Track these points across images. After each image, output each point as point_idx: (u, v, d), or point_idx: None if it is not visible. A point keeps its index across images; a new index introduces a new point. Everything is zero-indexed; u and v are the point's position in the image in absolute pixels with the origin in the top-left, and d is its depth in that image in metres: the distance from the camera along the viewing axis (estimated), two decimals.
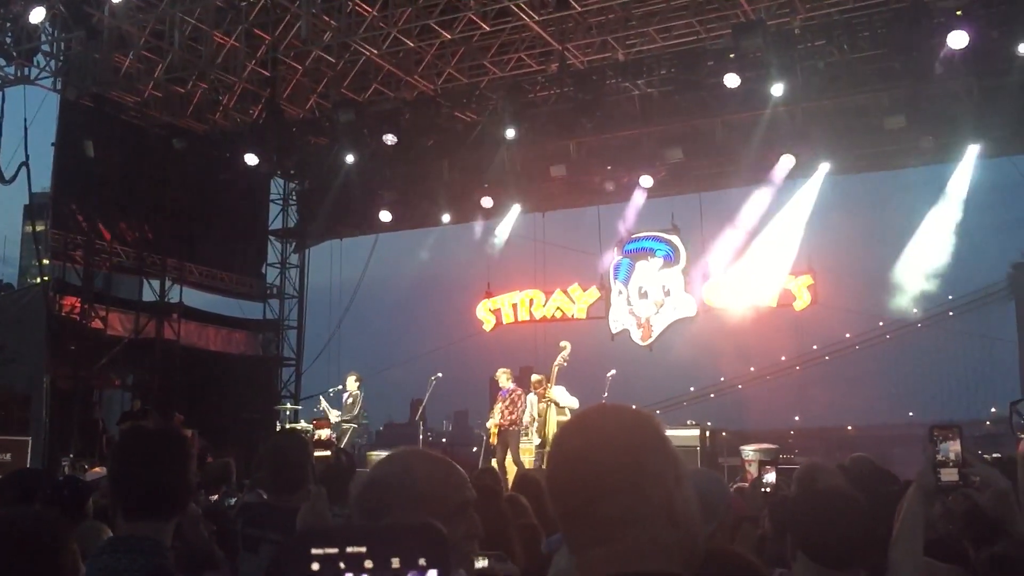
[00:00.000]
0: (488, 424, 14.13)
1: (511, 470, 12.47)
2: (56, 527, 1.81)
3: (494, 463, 13.36)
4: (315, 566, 0.89)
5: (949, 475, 2.53)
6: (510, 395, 13.93)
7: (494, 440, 13.96)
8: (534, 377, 14.13)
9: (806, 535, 2.82)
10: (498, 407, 13.90)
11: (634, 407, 1.63)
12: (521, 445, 14.21)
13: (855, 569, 2.80)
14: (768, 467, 6.66)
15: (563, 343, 13.70)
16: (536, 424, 13.51)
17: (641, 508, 1.43)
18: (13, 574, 1.82)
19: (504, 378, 14.15)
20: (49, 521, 1.86)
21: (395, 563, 0.89)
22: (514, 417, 13.78)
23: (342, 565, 0.89)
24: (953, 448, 2.54)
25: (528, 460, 13.51)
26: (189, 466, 2.48)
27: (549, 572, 3.07)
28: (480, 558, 2.56)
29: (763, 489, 6.21)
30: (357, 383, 14.96)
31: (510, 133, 15.90)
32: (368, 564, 0.89)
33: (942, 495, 2.61)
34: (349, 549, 0.89)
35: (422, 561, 0.89)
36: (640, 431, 1.50)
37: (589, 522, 1.46)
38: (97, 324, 16.75)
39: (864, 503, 3.11)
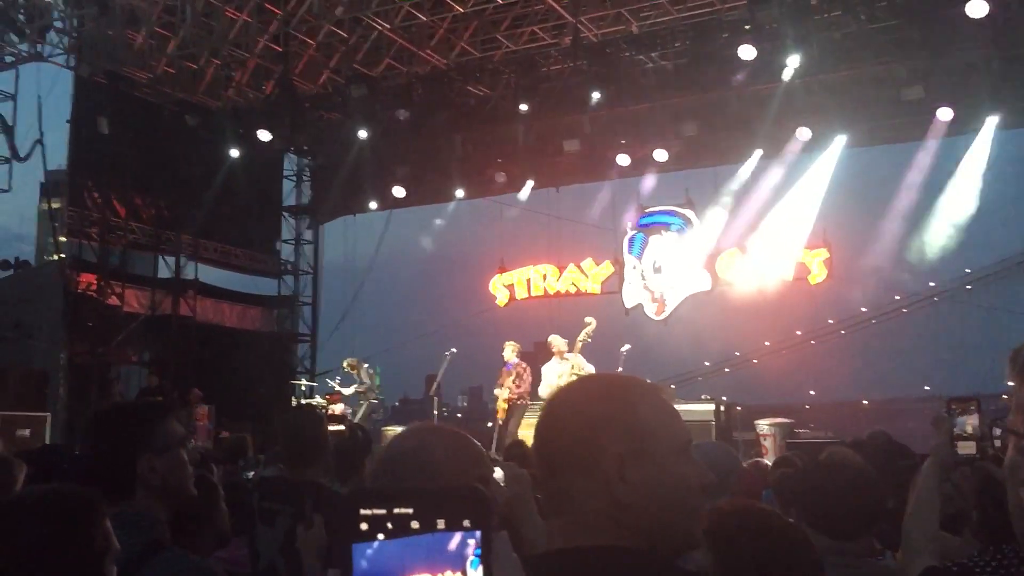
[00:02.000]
0: (497, 393, 14.09)
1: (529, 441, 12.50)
2: (90, 501, 1.79)
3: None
4: (364, 526, 0.93)
5: (967, 448, 2.51)
6: (515, 368, 13.91)
7: (502, 415, 13.94)
8: (550, 339, 13.95)
9: (810, 508, 2.81)
10: (508, 380, 13.88)
11: (617, 376, 1.60)
12: (536, 418, 14.21)
13: (864, 538, 2.79)
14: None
15: (588, 319, 13.61)
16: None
17: (586, 483, 1.42)
18: (47, 549, 1.82)
19: (509, 351, 14.11)
20: (82, 495, 1.84)
21: (440, 524, 0.93)
22: (521, 391, 13.77)
23: (390, 525, 0.93)
24: (971, 421, 2.52)
25: None
26: (144, 442, 2.47)
27: None
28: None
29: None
30: (365, 364, 14.94)
31: (523, 107, 15.81)
32: (415, 524, 0.93)
33: (959, 468, 2.59)
34: (396, 510, 0.93)
35: (466, 523, 0.93)
36: (596, 405, 1.47)
37: (547, 494, 1.48)
38: (114, 301, 16.84)
39: (868, 472, 3.09)
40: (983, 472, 2.70)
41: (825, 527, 2.69)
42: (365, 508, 0.93)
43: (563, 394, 1.56)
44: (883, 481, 3.39)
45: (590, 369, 13.54)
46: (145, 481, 2.41)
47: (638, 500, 1.41)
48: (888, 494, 2.92)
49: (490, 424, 15.94)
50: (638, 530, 1.41)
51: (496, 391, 14.05)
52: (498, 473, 2.74)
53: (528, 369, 13.99)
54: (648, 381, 1.62)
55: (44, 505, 1.82)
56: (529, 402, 13.88)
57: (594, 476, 1.41)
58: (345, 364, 15.02)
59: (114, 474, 2.42)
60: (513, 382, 13.77)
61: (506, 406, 13.86)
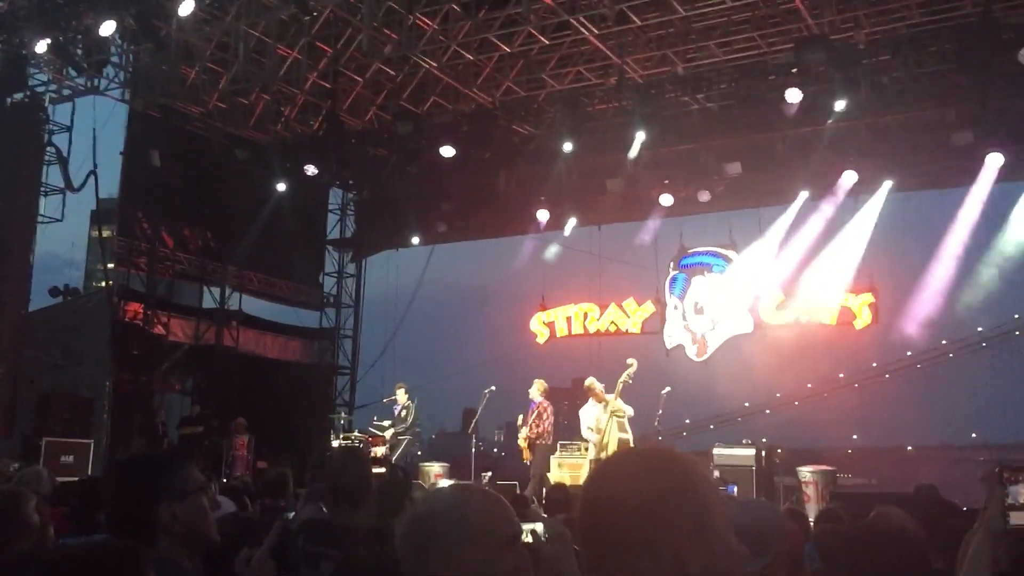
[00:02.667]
0: (520, 441, 14.05)
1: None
2: (137, 556, 1.79)
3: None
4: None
5: (1020, 518, 2.45)
6: (537, 408, 13.87)
7: (526, 456, 13.88)
8: (587, 382, 13.88)
9: (862, 572, 2.75)
10: (531, 419, 13.84)
11: (665, 449, 1.59)
12: (573, 459, 14.12)
13: None
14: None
15: (630, 360, 13.55)
16: (595, 437, 13.30)
17: (651, 561, 1.41)
18: None
19: (535, 389, 14.07)
20: (130, 552, 1.84)
21: None
22: (540, 430, 13.72)
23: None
24: (1023, 490, 2.46)
25: (583, 475, 13.40)
26: (151, 491, 2.49)
27: None
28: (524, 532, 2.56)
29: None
30: (407, 395, 15.06)
31: (567, 146, 15.89)
32: None
33: (1010, 538, 2.53)
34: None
35: None
36: (658, 479, 1.47)
37: (603, 572, 1.45)
38: (159, 330, 17.09)
39: (920, 539, 3.02)
40: None
41: None
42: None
43: (614, 469, 1.54)
44: (932, 542, 3.31)
45: (628, 412, 13.45)
46: (167, 528, 2.43)
47: (704, 574, 1.40)
48: (937, 557, 2.85)
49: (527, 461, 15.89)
50: None
51: (519, 433, 14.03)
52: (539, 527, 2.72)
53: (549, 409, 13.97)
54: (690, 455, 1.62)
55: (93, 562, 1.82)
56: (549, 442, 13.84)
57: (661, 554, 1.40)
58: (401, 391, 15.10)
59: (134, 522, 2.44)
60: (533, 421, 13.74)
61: (526, 445, 13.81)
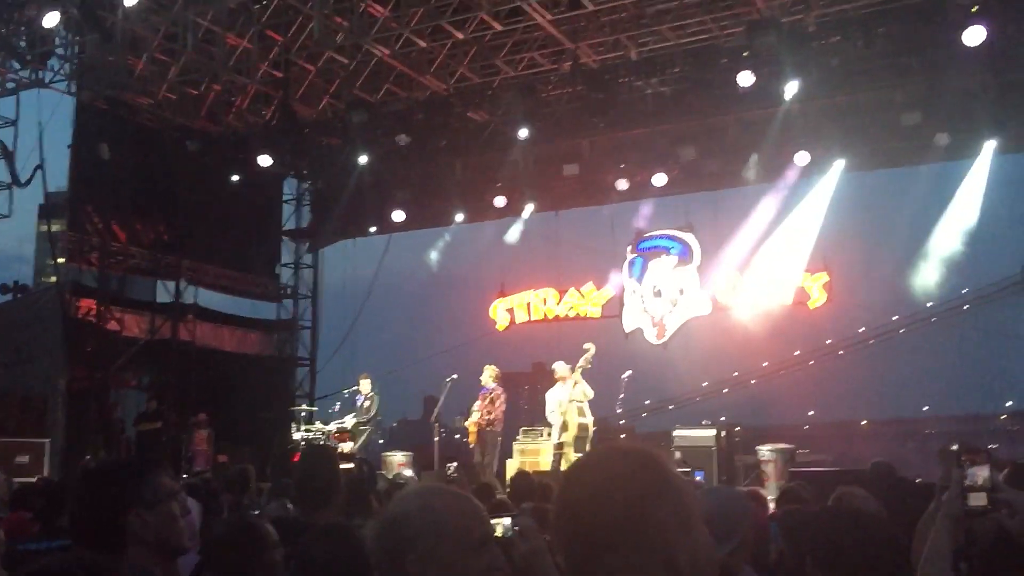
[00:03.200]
0: (467, 423, 14.08)
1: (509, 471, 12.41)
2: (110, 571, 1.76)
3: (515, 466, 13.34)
4: None
5: (977, 499, 2.51)
6: (489, 394, 13.90)
7: (473, 440, 13.91)
8: (554, 366, 13.94)
9: (828, 556, 2.79)
10: (476, 405, 13.87)
11: (640, 448, 1.60)
12: (535, 444, 14.18)
13: None
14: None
15: (587, 345, 13.61)
16: (557, 420, 13.34)
17: (643, 560, 1.43)
18: None
19: (487, 376, 14.10)
20: (102, 567, 1.81)
21: None
22: (492, 417, 13.76)
23: None
24: (981, 472, 2.52)
25: (546, 461, 13.47)
26: (122, 498, 2.48)
27: None
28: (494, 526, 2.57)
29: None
30: (371, 385, 15.02)
31: (523, 132, 15.89)
32: None
33: (969, 520, 2.59)
34: None
35: None
36: (642, 478, 1.49)
37: (591, 574, 1.46)
38: (113, 326, 16.82)
39: (887, 522, 3.08)
40: (997, 522, 2.71)
41: None
42: None
43: (596, 468, 1.55)
44: (890, 520, 3.39)
45: (589, 394, 13.53)
46: (137, 536, 2.42)
47: (692, 571, 1.43)
48: (905, 543, 2.91)
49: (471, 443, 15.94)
50: None
51: (469, 417, 14.03)
52: (507, 521, 2.74)
53: (503, 396, 14.01)
54: (660, 451, 1.64)
55: None
56: (500, 428, 13.89)
57: (651, 551, 1.42)
58: (366, 382, 15.05)
59: (102, 530, 2.43)
60: (484, 407, 13.77)
61: (475, 430, 13.83)
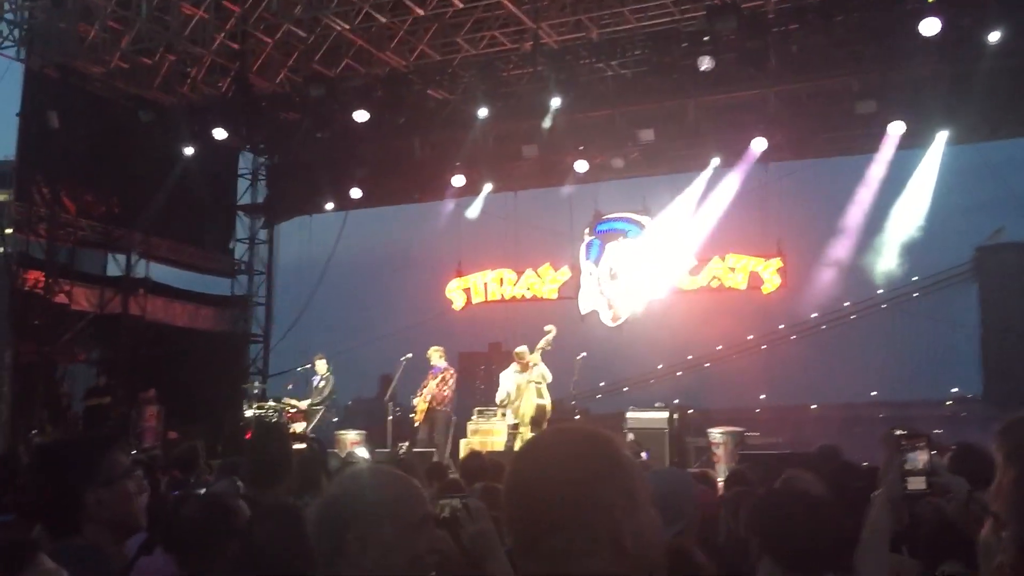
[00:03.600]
0: (415, 401, 14.09)
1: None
2: (20, 552, 1.72)
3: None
4: None
5: (916, 483, 2.55)
6: (442, 374, 13.94)
7: (419, 419, 13.95)
8: (518, 350, 13.98)
9: (773, 538, 2.82)
10: (431, 384, 13.88)
11: (591, 429, 1.60)
12: (489, 424, 14.21)
13: (821, 574, 2.81)
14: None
15: (548, 327, 13.66)
16: (510, 403, 13.39)
17: (587, 541, 1.43)
18: None
19: (436, 356, 14.14)
20: (14, 546, 1.76)
21: None
22: (443, 397, 13.82)
23: None
24: (921, 457, 2.56)
25: (500, 441, 13.51)
26: (84, 476, 2.44)
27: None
28: (442, 509, 2.58)
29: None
30: (327, 366, 14.93)
31: (482, 112, 15.81)
32: None
33: (909, 503, 2.64)
34: None
35: None
36: (591, 459, 1.49)
37: (538, 554, 1.46)
38: (61, 299, 16.51)
39: (831, 504, 3.13)
40: (934, 504, 2.77)
41: (786, 560, 2.71)
42: None
43: (545, 448, 1.54)
44: (837, 503, 3.43)
45: (547, 375, 13.58)
46: (93, 515, 2.39)
47: (637, 554, 1.43)
48: (849, 525, 2.95)
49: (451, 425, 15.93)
50: None
51: (419, 395, 14.03)
52: (456, 502, 2.73)
53: (455, 376, 14.07)
54: (612, 433, 1.64)
55: None
56: (449, 410, 13.95)
57: (597, 532, 1.42)
58: (321, 362, 14.95)
59: (59, 509, 2.39)
60: (437, 386, 13.80)
61: (425, 407, 13.86)
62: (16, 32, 15.77)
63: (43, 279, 16.27)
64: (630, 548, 1.43)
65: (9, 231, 16.76)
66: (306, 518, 2.67)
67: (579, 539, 1.42)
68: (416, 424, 14.09)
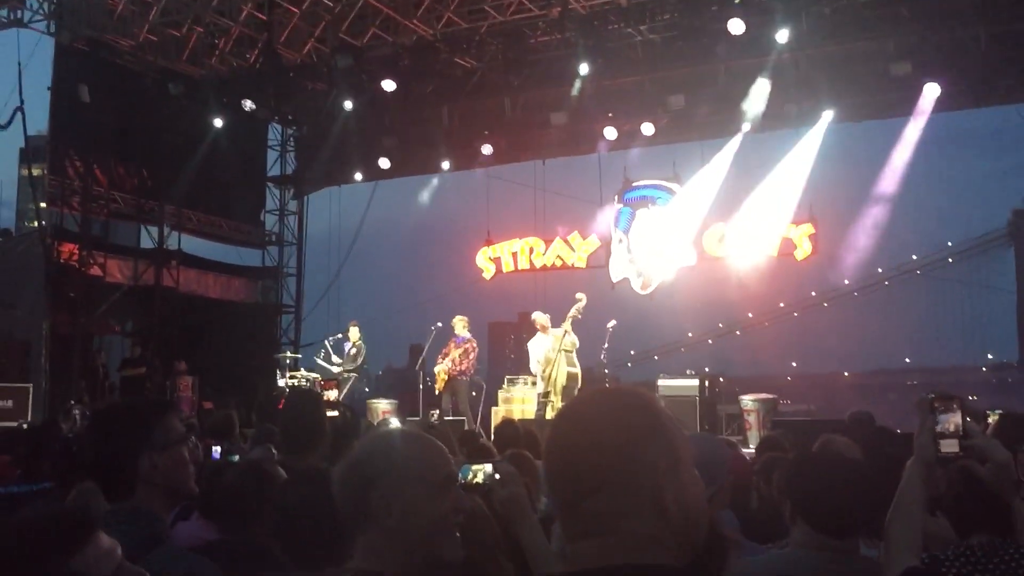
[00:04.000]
0: (437, 370, 14.11)
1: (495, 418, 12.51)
2: (68, 534, 1.70)
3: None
4: None
5: (949, 446, 2.52)
6: (464, 345, 13.98)
7: (440, 387, 14.00)
8: (534, 315, 13.98)
9: (807, 501, 2.81)
10: (455, 353, 13.90)
11: (632, 389, 1.59)
12: (520, 393, 14.25)
13: (855, 538, 2.80)
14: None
15: (579, 295, 13.59)
16: (542, 370, 13.39)
17: (630, 501, 1.41)
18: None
19: (460, 326, 14.15)
20: (61, 528, 1.73)
21: None
22: (463, 367, 13.86)
23: None
24: (953, 419, 2.52)
25: (530, 410, 13.54)
26: (140, 440, 2.47)
27: (552, 535, 3.08)
28: (474, 474, 2.59)
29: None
30: (359, 334, 15.01)
31: (510, 79, 15.71)
32: None
33: (941, 466, 2.61)
34: None
35: None
36: (632, 419, 1.46)
37: (579, 515, 1.44)
38: (96, 271, 16.72)
39: (867, 468, 3.10)
40: (966, 469, 2.74)
41: (820, 524, 2.70)
42: None
43: (587, 409, 1.52)
44: (872, 468, 3.40)
45: (575, 342, 13.54)
46: (147, 478, 2.43)
47: (679, 515, 1.42)
48: (883, 489, 2.92)
49: (474, 394, 15.97)
50: (676, 546, 1.43)
51: (439, 363, 14.07)
52: (488, 467, 2.74)
53: (476, 349, 14.13)
54: (650, 393, 1.62)
55: (39, 533, 1.73)
56: (468, 379, 14.00)
57: (639, 493, 1.41)
58: (355, 329, 15.04)
59: (116, 472, 2.43)
60: (460, 356, 13.85)
61: (446, 378, 13.91)
62: (46, 6, 15.86)
63: (77, 251, 16.46)
64: (672, 510, 1.42)
65: (43, 204, 16.94)
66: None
67: (621, 500, 1.41)
68: (437, 392, 14.15)
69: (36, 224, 16.88)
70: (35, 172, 18.67)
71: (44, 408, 14.53)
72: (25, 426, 12.44)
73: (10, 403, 13.71)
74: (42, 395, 14.91)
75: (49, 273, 15.92)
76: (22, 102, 15.28)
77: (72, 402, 14.52)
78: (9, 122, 15.35)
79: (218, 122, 17.17)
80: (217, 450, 5.68)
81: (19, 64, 15.27)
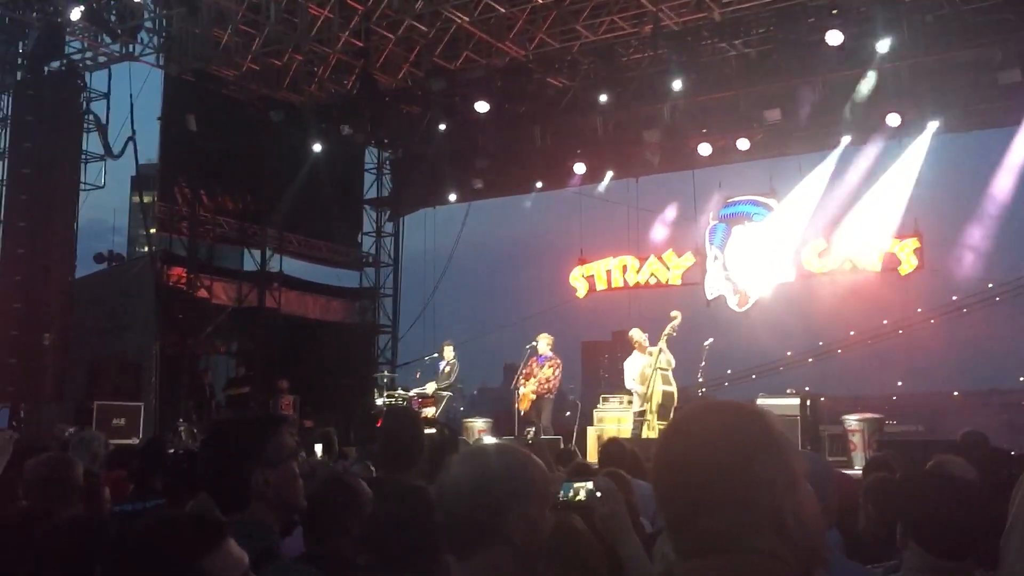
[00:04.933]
0: (526, 390, 14.01)
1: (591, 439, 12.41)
2: (195, 540, 1.74)
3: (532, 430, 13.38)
4: None
5: None
6: (548, 362, 13.90)
7: (524, 406, 13.89)
8: (631, 333, 13.86)
9: (920, 522, 2.71)
10: (547, 372, 13.82)
11: (743, 404, 1.55)
12: (616, 412, 14.13)
13: (969, 560, 2.68)
14: None
15: (674, 313, 13.43)
16: (640, 388, 13.25)
17: (748, 519, 1.38)
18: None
19: (544, 344, 14.07)
20: (194, 529, 1.79)
21: None
22: (550, 385, 13.79)
23: None
24: None
25: (626, 429, 13.42)
26: (262, 454, 2.52)
27: (654, 555, 3.03)
28: (576, 492, 2.57)
29: None
30: (453, 352, 15.14)
31: (603, 98, 15.71)
32: None
33: None
34: None
35: None
36: (747, 434, 1.43)
37: (694, 532, 1.41)
38: (202, 293, 17.28)
39: (979, 488, 2.98)
40: None
41: (933, 546, 2.60)
42: None
43: (699, 423, 1.49)
44: (985, 490, 3.27)
45: (672, 361, 13.38)
46: (259, 493, 2.49)
47: (798, 532, 1.39)
48: (996, 509, 2.80)
49: (568, 413, 15.93)
50: (796, 562, 1.39)
51: (523, 383, 13.98)
52: (589, 485, 2.73)
53: (560, 366, 14.05)
54: (760, 407, 1.58)
55: (174, 531, 1.79)
56: (553, 396, 13.93)
57: (759, 507, 1.38)
58: (448, 348, 15.20)
59: (230, 487, 2.50)
60: (551, 375, 13.79)
61: (534, 398, 13.83)
62: (155, 40, 16.56)
63: (185, 275, 17.06)
64: (791, 526, 1.38)
65: (154, 230, 17.63)
66: (430, 498, 2.71)
67: (740, 517, 1.37)
68: (522, 412, 14.06)
69: (147, 249, 17.54)
70: (146, 199, 19.45)
71: (155, 426, 15.04)
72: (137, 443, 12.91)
73: (123, 421, 14.24)
74: (152, 413, 15.44)
75: (159, 296, 16.52)
76: (134, 132, 15.94)
77: (180, 421, 15.03)
78: (122, 151, 16.02)
79: (317, 147, 17.63)
80: None
81: (131, 96, 15.97)
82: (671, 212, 18.21)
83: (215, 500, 2.53)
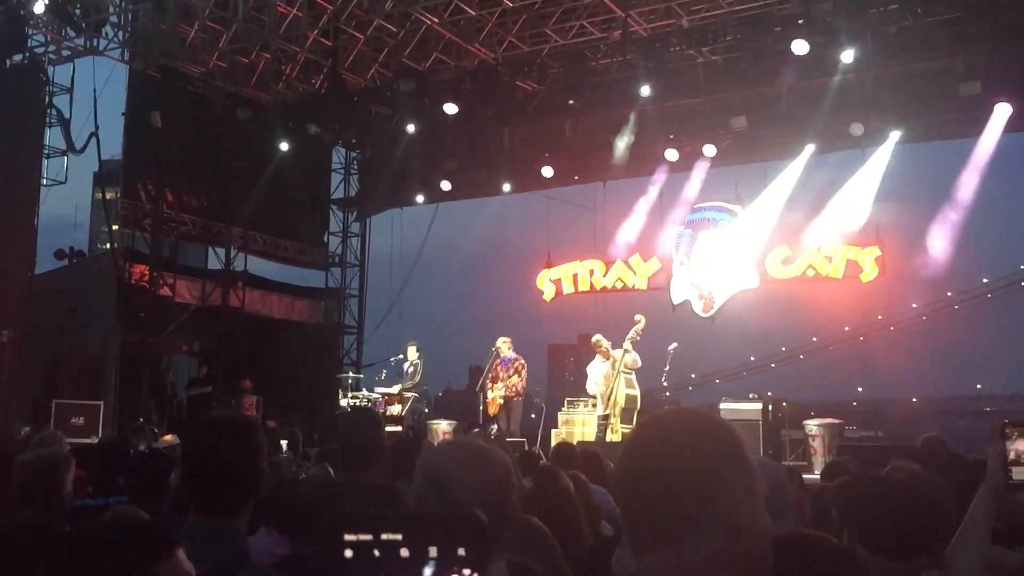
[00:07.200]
0: (495, 395, 14.03)
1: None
2: (145, 548, 1.71)
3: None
4: (348, 552, 0.85)
5: (1021, 473, 2.45)
6: (512, 364, 13.95)
7: (493, 411, 13.92)
8: (594, 339, 13.92)
9: (864, 524, 2.74)
10: (512, 379, 13.87)
11: (708, 411, 1.59)
12: (580, 415, 14.18)
13: (918, 559, 2.72)
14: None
15: (638, 317, 13.52)
16: (603, 391, 13.32)
17: (705, 515, 1.40)
18: None
19: (506, 347, 14.11)
20: (142, 538, 1.76)
21: (432, 552, 0.85)
22: (518, 388, 13.85)
23: (376, 552, 0.85)
24: None
25: (591, 432, 13.47)
26: (261, 455, 2.51)
27: (614, 565, 3.05)
28: None
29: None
30: (417, 352, 15.11)
31: (571, 102, 15.75)
32: (404, 552, 0.85)
33: (1012, 494, 2.53)
34: (384, 536, 0.86)
35: (461, 551, 0.86)
36: (712, 437, 1.47)
37: (653, 522, 1.44)
38: (165, 291, 17.09)
39: (925, 488, 3.02)
40: None
41: (877, 545, 2.63)
42: (350, 533, 0.86)
43: (665, 424, 1.53)
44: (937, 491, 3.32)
45: (636, 359, 13.43)
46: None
47: (751, 538, 1.41)
48: (948, 511, 2.84)
49: (532, 416, 15.93)
50: (744, 568, 1.42)
51: (490, 386, 14.00)
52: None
53: (526, 366, 14.10)
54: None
55: (123, 537, 1.77)
56: (521, 399, 13.98)
57: (717, 508, 1.40)
58: (412, 348, 15.16)
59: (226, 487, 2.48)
60: (517, 379, 13.84)
61: (502, 402, 13.87)
62: (120, 34, 16.37)
63: (148, 272, 16.86)
64: (745, 531, 1.41)
65: (116, 227, 17.41)
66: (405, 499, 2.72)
67: (696, 512, 1.40)
68: (492, 415, 14.08)
69: (109, 246, 17.31)
70: (108, 196, 19.20)
71: (113, 425, 14.85)
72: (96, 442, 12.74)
73: (82, 420, 14.02)
74: (112, 412, 15.24)
75: (121, 293, 16.31)
76: (97, 128, 15.74)
77: (140, 420, 14.84)
78: (84, 147, 15.82)
79: (284, 146, 17.52)
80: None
81: (94, 91, 15.76)
82: (638, 217, 18.30)
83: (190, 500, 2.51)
